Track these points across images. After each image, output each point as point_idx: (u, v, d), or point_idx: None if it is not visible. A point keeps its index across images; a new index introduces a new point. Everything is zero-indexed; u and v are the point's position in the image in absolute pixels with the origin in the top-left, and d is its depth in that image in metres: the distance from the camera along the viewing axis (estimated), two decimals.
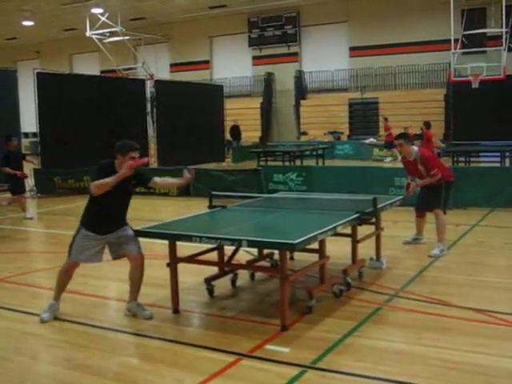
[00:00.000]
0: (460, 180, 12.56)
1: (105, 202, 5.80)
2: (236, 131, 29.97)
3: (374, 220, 7.49)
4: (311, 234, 5.57)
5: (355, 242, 7.16)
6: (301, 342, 5.29)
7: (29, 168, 15.89)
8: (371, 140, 28.69)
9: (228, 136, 29.38)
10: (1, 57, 40.02)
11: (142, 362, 5.13)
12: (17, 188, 13.20)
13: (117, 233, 6.00)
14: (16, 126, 17.23)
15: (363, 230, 7.41)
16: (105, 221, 5.93)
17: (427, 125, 18.17)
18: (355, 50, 32.34)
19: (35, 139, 25.01)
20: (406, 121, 27.45)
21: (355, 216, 6.58)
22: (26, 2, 29.95)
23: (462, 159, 20.16)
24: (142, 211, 14.21)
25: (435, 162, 8.77)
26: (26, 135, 27.49)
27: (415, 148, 8.83)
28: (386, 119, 27.24)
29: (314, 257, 6.61)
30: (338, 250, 7.41)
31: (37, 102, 17.47)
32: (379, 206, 7.08)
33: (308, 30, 33.85)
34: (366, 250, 7.71)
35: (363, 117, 31.97)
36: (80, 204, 12.39)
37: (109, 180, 5.64)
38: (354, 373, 4.64)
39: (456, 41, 23.25)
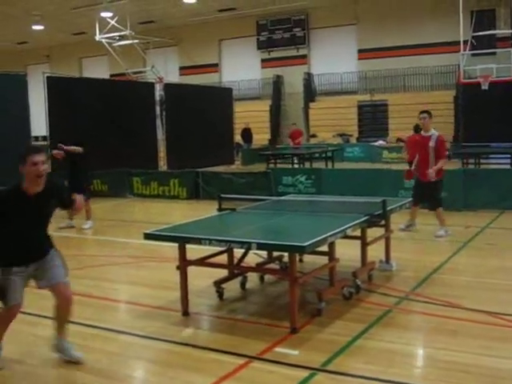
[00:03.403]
0: (470, 182, 12.60)
1: (15, 227, 4.89)
2: (248, 134, 30.02)
3: (383, 222, 7.50)
4: (321, 237, 5.58)
5: (365, 245, 7.16)
6: (310, 345, 5.30)
7: None
8: (380, 142, 28.62)
9: (239, 139, 29.39)
10: (11, 61, 40.23)
11: (152, 364, 5.15)
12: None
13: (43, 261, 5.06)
14: (26, 130, 17.31)
15: (373, 233, 7.41)
16: (22, 249, 4.95)
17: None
18: (364, 53, 32.27)
19: (45, 142, 25.13)
20: (415, 123, 27.32)
21: (364, 218, 6.59)
22: (36, 7, 30.13)
23: (472, 161, 20.10)
24: (151, 214, 14.28)
25: (445, 150, 10.27)
26: (36, 138, 27.60)
27: (434, 130, 10.14)
28: (293, 124, 27.63)
29: (324, 259, 6.62)
30: (348, 252, 7.40)
31: (47, 105, 17.55)
32: (388, 208, 7.09)
33: (317, 32, 33.82)
34: (376, 252, 7.71)
35: (372, 119, 31.91)
36: (93, 206, 12.55)
37: None
38: (364, 375, 4.64)
39: (465, 42, 23.20)
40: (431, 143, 9.89)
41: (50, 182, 4.96)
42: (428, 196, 9.96)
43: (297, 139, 26.88)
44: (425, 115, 10.06)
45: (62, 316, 5.12)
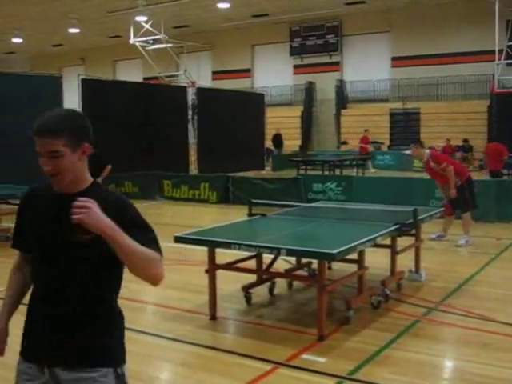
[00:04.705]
0: (503, 193, 12.44)
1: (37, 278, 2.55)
2: (278, 139, 30.06)
3: (413, 232, 7.45)
4: (351, 245, 5.57)
5: (394, 254, 7.12)
6: (338, 353, 5.28)
7: None
8: None
9: (270, 144, 29.43)
10: (47, 63, 40.84)
11: (179, 367, 5.18)
12: None
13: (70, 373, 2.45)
14: None
15: (403, 242, 7.36)
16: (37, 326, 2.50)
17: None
18: (397, 60, 32.08)
19: None
20: (447, 132, 27.15)
21: (395, 227, 6.55)
22: (73, 10, 30.55)
23: (505, 172, 19.83)
24: (180, 217, 14.36)
25: (443, 159, 10.04)
26: None
27: (427, 151, 10.19)
28: (366, 131, 27.45)
29: (352, 267, 6.60)
30: (377, 260, 7.37)
31: (81, 107, 17.77)
32: (419, 217, 7.04)
33: (350, 39, 33.74)
34: (405, 261, 7.66)
35: (404, 127, 31.65)
36: None
37: None
38: None
39: (500, 51, 22.93)
40: (432, 165, 9.89)
41: (105, 193, 2.55)
42: (459, 201, 9.91)
43: (365, 145, 27.01)
44: (411, 146, 10.25)
45: None
